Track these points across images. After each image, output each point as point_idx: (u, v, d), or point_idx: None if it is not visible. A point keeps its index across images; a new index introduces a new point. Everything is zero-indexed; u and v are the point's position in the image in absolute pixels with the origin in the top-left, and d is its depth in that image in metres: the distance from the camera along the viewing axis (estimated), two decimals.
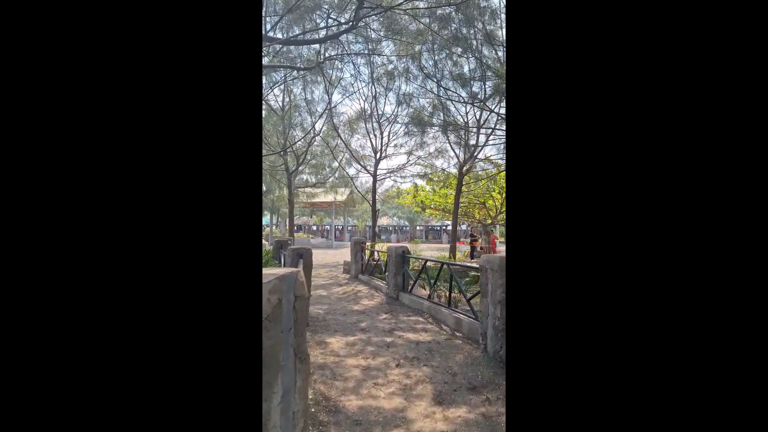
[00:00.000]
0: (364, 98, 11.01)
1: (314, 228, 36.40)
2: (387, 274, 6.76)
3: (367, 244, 9.77)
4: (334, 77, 9.47)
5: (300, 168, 11.42)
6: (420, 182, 13.34)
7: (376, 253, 8.69)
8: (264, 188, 17.60)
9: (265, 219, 27.79)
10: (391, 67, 9.45)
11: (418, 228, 35.69)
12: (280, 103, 10.42)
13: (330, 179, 13.25)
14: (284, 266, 4.62)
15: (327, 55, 8.22)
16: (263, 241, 9.61)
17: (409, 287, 6.23)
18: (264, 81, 9.54)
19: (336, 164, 12.34)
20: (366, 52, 8.83)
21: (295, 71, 9.19)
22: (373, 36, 8.25)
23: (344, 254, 11.87)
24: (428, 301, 5.44)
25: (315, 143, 11.15)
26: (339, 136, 10.54)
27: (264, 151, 11.33)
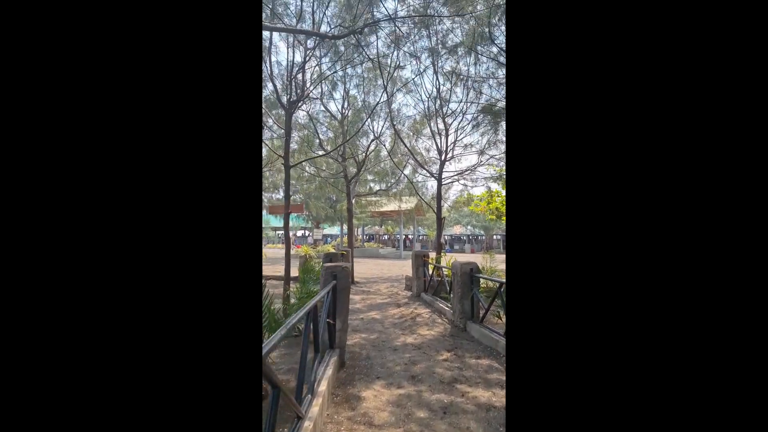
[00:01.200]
0: (427, 95, 9.89)
1: (385, 237, 36.04)
2: (452, 296, 5.50)
3: (432, 256, 8.54)
4: (391, 68, 8.51)
5: (360, 175, 10.65)
6: (495, 186, 11.72)
7: (441, 268, 7.45)
8: (333, 198, 17.42)
9: (336, 229, 27.97)
10: (456, 40, 8.07)
11: (495, 237, 33.05)
12: (339, 107, 9.84)
13: (393, 186, 12.31)
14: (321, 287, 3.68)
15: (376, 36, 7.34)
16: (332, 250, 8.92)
17: (480, 316, 4.90)
18: (322, 88, 9.03)
19: (398, 169, 11.37)
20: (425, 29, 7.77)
21: (349, 64, 8.49)
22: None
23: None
24: (504, 338, 4.08)
25: (376, 147, 10.37)
26: (399, 137, 9.51)
27: (323, 158, 10.83)
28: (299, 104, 6.06)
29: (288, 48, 5.80)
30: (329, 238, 31.85)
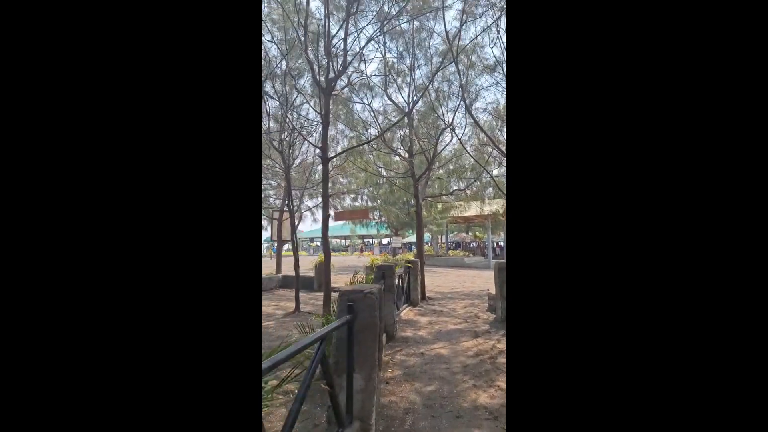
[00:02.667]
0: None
1: (473, 245, 33.47)
2: None
3: None
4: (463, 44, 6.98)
5: (432, 173, 9.15)
6: None
7: None
8: (412, 203, 16.19)
9: (412, 236, 26.64)
10: None
11: None
12: (405, 98, 8.58)
13: (473, 185, 10.50)
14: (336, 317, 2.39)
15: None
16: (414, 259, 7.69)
17: None
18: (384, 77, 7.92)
19: (479, 165, 9.57)
20: None
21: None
22: None
23: None
24: None
25: (451, 140, 8.82)
26: (477, 123, 7.76)
27: (388, 154, 9.68)
28: (335, 82, 4.92)
29: (325, 14, 4.77)
30: (413, 246, 30.68)
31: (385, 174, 9.43)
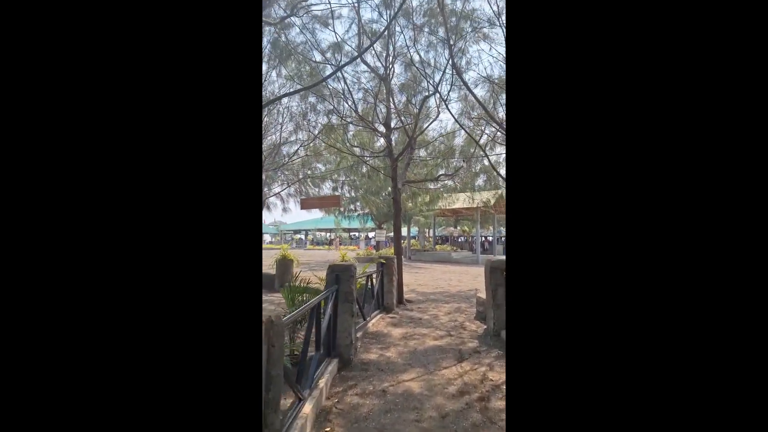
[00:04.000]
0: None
1: (461, 239, 32.27)
2: None
3: None
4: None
5: (414, 153, 7.76)
6: None
7: None
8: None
9: (410, 230, 25.17)
10: None
11: None
12: (382, 62, 7.20)
13: (463, 171, 9.14)
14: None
15: None
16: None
17: None
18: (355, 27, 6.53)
19: (474, 140, 8.16)
20: None
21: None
22: None
23: None
24: None
25: (435, 115, 7.44)
26: (466, 85, 6.24)
27: (364, 133, 8.31)
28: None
29: None
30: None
31: (358, 154, 7.97)
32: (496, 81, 6.76)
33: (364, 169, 10.01)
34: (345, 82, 7.00)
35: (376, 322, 5.38)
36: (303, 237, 41.25)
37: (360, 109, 7.10)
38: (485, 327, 5.11)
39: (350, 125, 8.01)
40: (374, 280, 5.82)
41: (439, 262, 17.98)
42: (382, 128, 7.16)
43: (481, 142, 7.85)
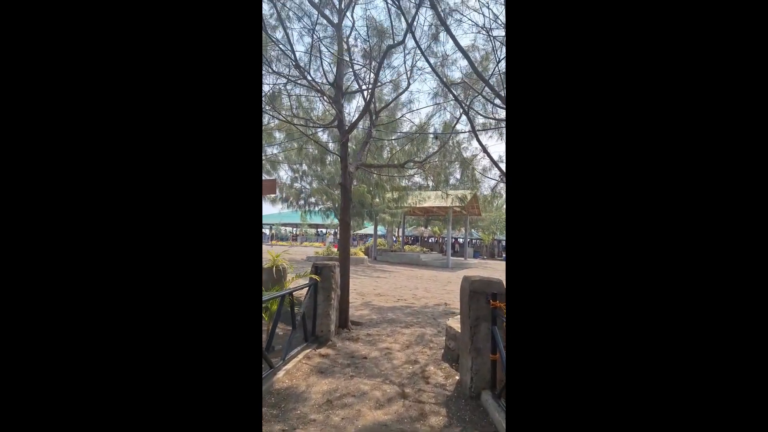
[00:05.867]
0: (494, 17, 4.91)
1: (431, 240, 30.86)
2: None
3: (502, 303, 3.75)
4: None
5: (372, 126, 5.94)
6: None
7: None
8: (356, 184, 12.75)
9: (379, 228, 23.21)
10: None
11: None
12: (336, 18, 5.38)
13: (434, 156, 7.40)
14: None
15: None
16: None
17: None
18: None
19: (452, 113, 6.41)
20: None
21: None
22: None
23: (460, 281, 5.94)
24: None
25: (405, 77, 5.64)
26: (448, 31, 4.46)
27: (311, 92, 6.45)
28: None
29: None
30: (369, 238, 27.39)
31: (302, 126, 6.02)
32: (492, 32, 4.99)
33: (317, 152, 8.07)
34: (284, 26, 5.12)
35: (295, 366, 3.55)
36: (266, 232, 38.71)
37: (304, 65, 5.23)
38: (458, 378, 3.44)
39: (295, 88, 6.12)
40: (297, 304, 4.00)
41: (405, 265, 16.36)
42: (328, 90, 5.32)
43: (471, 103, 6.05)
